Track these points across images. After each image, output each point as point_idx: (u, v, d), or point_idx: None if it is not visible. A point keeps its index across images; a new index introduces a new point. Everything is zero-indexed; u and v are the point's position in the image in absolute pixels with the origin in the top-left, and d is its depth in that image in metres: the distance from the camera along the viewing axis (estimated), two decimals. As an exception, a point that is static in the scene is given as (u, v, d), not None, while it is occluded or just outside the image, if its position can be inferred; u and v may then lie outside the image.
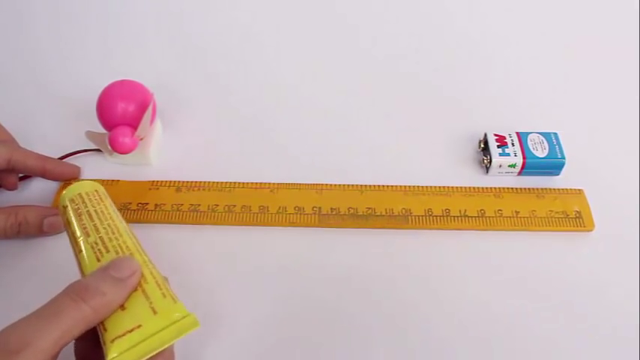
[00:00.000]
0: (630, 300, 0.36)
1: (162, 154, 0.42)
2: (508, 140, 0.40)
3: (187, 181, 0.40)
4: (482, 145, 0.41)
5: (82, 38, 0.50)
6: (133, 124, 0.39)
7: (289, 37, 0.51)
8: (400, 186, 0.40)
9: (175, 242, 0.38)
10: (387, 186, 0.40)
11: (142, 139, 0.40)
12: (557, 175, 0.40)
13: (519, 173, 0.40)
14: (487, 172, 0.40)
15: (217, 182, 0.40)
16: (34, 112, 0.44)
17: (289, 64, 0.49)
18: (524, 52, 0.49)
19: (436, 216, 0.38)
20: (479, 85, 0.47)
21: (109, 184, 0.40)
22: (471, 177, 0.41)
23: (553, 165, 0.40)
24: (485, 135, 0.41)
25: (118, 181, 0.40)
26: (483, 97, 0.46)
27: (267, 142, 0.43)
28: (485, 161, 0.40)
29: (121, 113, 0.39)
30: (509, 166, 0.40)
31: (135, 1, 0.53)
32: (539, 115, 0.44)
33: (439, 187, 0.40)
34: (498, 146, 0.40)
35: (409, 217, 0.38)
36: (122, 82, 0.40)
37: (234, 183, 0.40)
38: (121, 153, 0.39)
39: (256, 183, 0.40)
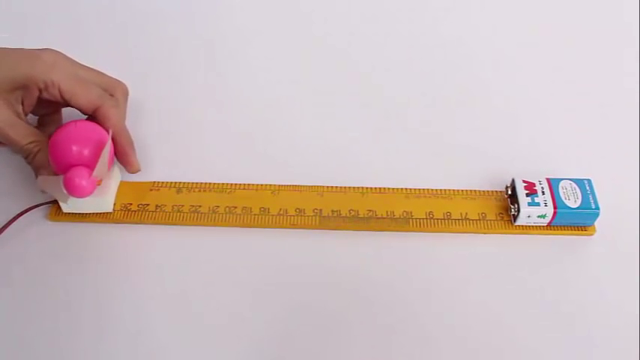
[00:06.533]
0: (630, 305, 0.36)
1: (163, 155, 0.42)
2: (538, 188, 0.37)
3: (188, 182, 0.40)
4: (509, 192, 0.38)
5: (82, 38, 0.50)
6: (89, 164, 0.35)
7: (294, 38, 0.51)
8: (401, 189, 0.40)
9: (176, 243, 0.38)
10: (389, 188, 0.40)
11: (99, 183, 0.37)
12: (590, 225, 0.38)
13: (549, 224, 0.38)
14: (514, 220, 0.38)
15: (218, 183, 0.40)
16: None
17: (292, 65, 0.49)
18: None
19: (437, 219, 0.38)
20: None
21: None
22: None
23: (586, 216, 0.37)
24: (513, 181, 0.38)
25: (119, 181, 0.40)
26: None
27: (268, 143, 0.43)
28: (512, 210, 0.38)
29: (76, 155, 0.35)
30: (538, 216, 0.37)
31: (135, 2, 0.53)
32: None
33: (440, 189, 0.40)
34: (527, 194, 0.37)
35: (410, 220, 0.38)
36: (76, 122, 0.37)
37: (235, 184, 0.40)
38: (78, 196, 0.35)
39: (257, 185, 0.40)
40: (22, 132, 0.37)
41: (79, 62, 0.39)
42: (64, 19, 0.52)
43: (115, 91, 0.40)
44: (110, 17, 0.52)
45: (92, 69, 0.40)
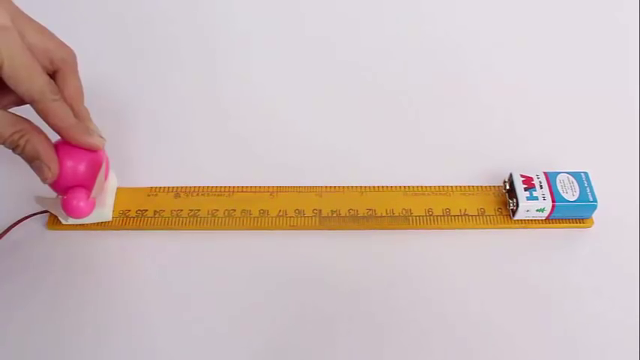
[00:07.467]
0: (628, 297, 0.36)
1: (160, 160, 0.42)
2: (536, 182, 0.38)
3: (186, 187, 0.40)
4: (507, 187, 0.39)
5: (80, 39, 0.49)
6: (86, 184, 0.35)
7: (290, 39, 0.51)
8: (400, 186, 0.40)
9: (175, 248, 0.38)
10: (387, 187, 0.40)
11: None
12: (588, 217, 0.38)
13: (547, 217, 0.38)
14: (513, 215, 0.38)
15: (216, 187, 0.40)
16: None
17: (289, 66, 0.49)
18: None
19: (437, 216, 0.38)
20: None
21: (106, 191, 0.40)
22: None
23: (583, 208, 0.38)
24: (511, 176, 0.38)
25: (116, 188, 0.40)
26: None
27: (266, 145, 0.43)
28: (511, 205, 0.38)
29: (73, 176, 0.35)
30: (537, 210, 0.37)
31: (133, 4, 0.53)
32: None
33: (439, 186, 0.40)
34: (525, 189, 0.37)
35: (410, 218, 0.38)
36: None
37: (234, 187, 0.40)
38: (77, 217, 0.35)
39: (256, 187, 0.40)
40: (3, 121, 0.32)
41: (27, 15, 0.32)
42: (65, 18, 0.51)
43: (62, 63, 0.34)
44: (109, 19, 0.52)
45: (40, 28, 0.33)
